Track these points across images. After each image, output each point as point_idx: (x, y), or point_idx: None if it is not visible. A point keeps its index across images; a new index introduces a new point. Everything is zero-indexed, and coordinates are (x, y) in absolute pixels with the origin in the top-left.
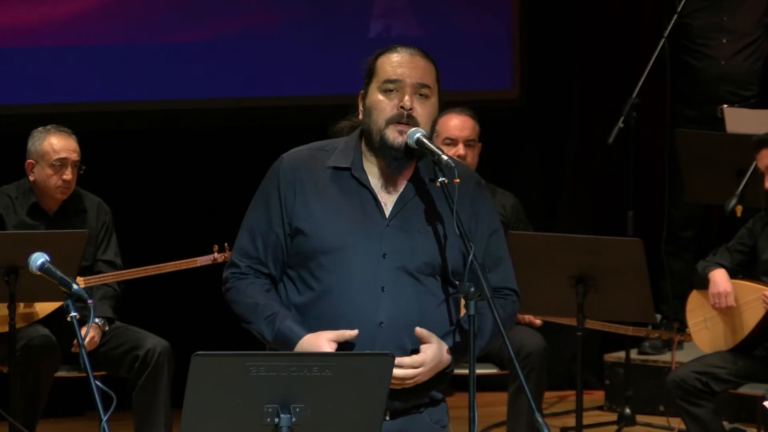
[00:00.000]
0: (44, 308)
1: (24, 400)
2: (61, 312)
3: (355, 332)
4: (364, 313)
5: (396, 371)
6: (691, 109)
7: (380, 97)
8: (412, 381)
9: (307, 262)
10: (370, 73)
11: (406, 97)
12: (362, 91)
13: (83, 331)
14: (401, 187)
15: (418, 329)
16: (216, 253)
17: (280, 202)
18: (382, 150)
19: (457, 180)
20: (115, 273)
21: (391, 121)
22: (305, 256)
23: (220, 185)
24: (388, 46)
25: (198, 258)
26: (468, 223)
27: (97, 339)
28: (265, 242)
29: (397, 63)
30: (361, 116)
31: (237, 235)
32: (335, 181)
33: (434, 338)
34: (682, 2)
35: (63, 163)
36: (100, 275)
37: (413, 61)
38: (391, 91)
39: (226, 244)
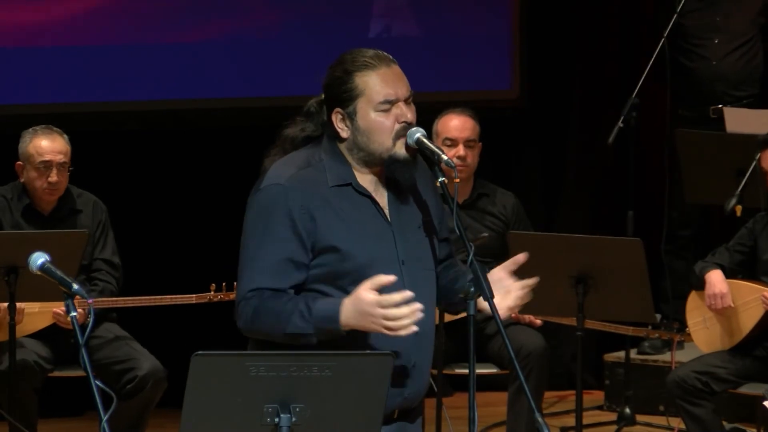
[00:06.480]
0: (28, 327)
1: (18, 407)
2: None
3: (392, 278)
4: None
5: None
6: (684, 109)
7: (378, 117)
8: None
9: (338, 279)
10: (350, 93)
11: (409, 114)
12: (339, 110)
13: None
14: (384, 186)
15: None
16: (212, 293)
17: (296, 227)
18: (396, 167)
19: (457, 180)
20: (108, 299)
21: (397, 137)
22: (336, 274)
23: (221, 185)
24: (354, 60)
25: (193, 295)
26: (438, 209)
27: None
28: (282, 271)
29: (384, 80)
30: (344, 134)
31: (240, 271)
32: (342, 198)
33: None
34: (682, 2)
35: (47, 165)
36: (95, 300)
37: (395, 71)
38: (386, 109)
39: (224, 284)
